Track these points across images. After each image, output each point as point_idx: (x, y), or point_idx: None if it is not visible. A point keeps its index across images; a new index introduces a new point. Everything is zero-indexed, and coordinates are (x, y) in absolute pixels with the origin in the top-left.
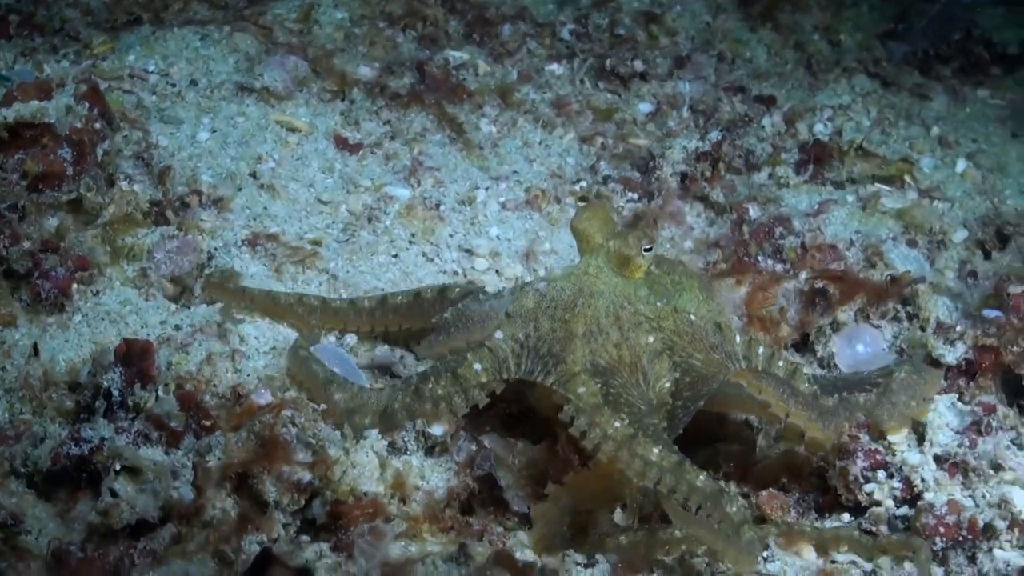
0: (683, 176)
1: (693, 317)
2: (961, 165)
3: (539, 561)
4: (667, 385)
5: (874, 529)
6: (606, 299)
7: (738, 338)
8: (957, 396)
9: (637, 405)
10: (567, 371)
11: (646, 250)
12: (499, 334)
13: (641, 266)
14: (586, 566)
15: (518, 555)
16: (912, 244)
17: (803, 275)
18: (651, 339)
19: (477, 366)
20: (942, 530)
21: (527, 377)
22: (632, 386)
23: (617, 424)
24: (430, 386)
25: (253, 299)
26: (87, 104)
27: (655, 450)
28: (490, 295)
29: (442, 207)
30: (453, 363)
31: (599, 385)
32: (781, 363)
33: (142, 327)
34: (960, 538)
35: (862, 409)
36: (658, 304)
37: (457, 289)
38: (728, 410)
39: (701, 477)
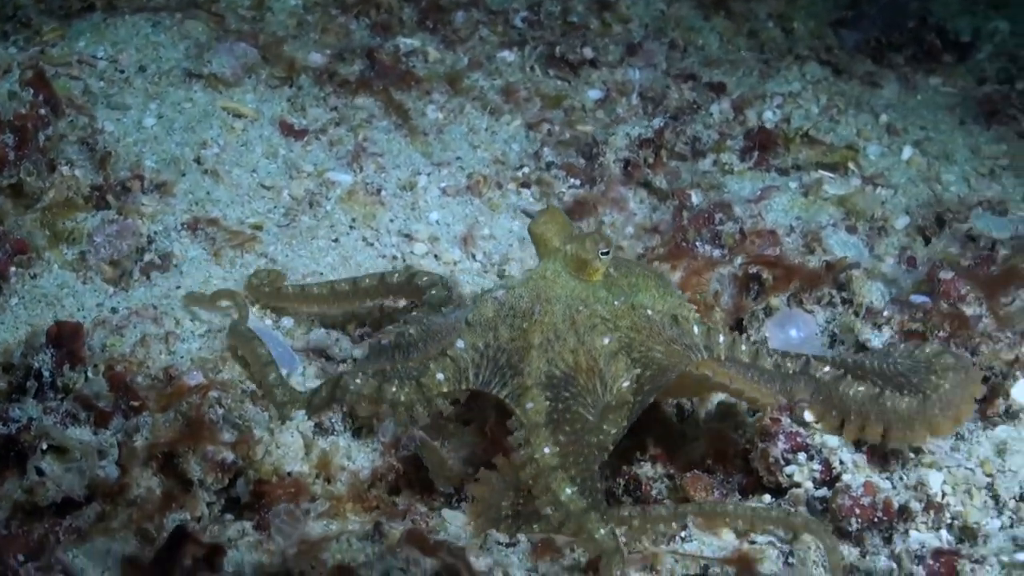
0: (626, 163)
1: (650, 312)
2: (907, 152)
3: (450, 540)
4: (626, 384)
5: (792, 510)
6: (563, 304)
7: (696, 329)
8: None
9: (585, 418)
10: (521, 384)
11: (603, 253)
12: (460, 343)
13: (599, 269)
14: (507, 545)
15: (441, 535)
16: (852, 230)
17: (738, 260)
18: (606, 340)
19: (440, 376)
20: (858, 511)
21: (483, 389)
22: (588, 392)
23: (547, 450)
24: (393, 390)
25: (291, 297)
26: (32, 90)
27: (568, 491)
28: (451, 308)
29: (383, 192)
30: (416, 371)
31: (548, 401)
32: (744, 347)
33: (78, 310)
34: (875, 519)
35: (905, 413)
36: (616, 303)
37: (425, 277)
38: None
39: (602, 531)
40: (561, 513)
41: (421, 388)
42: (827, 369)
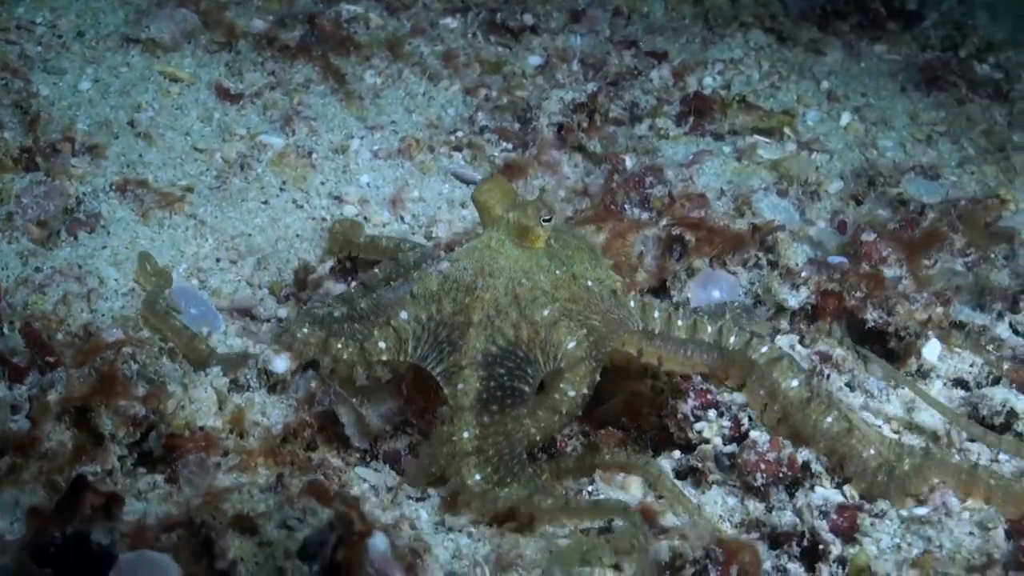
0: (560, 127)
1: (590, 283)
2: (846, 118)
3: (345, 491)
4: (571, 345)
5: (700, 466)
6: (505, 276)
7: (632, 303)
8: (798, 339)
9: (521, 391)
10: (455, 363)
11: (545, 220)
12: (403, 314)
13: (540, 236)
14: (418, 500)
15: (355, 490)
16: (783, 194)
17: (663, 223)
18: (546, 312)
19: (381, 344)
20: (763, 467)
21: (420, 363)
22: (528, 363)
23: (465, 434)
24: (339, 346)
25: (363, 247)
26: None
27: (477, 476)
28: (400, 281)
29: (314, 155)
30: (361, 335)
31: (480, 382)
32: (680, 322)
33: (2, 268)
34: (780, 475)
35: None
36: (557, 272)
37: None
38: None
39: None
40: (467, 495)
41: (363, 352)
42: (765, 350)
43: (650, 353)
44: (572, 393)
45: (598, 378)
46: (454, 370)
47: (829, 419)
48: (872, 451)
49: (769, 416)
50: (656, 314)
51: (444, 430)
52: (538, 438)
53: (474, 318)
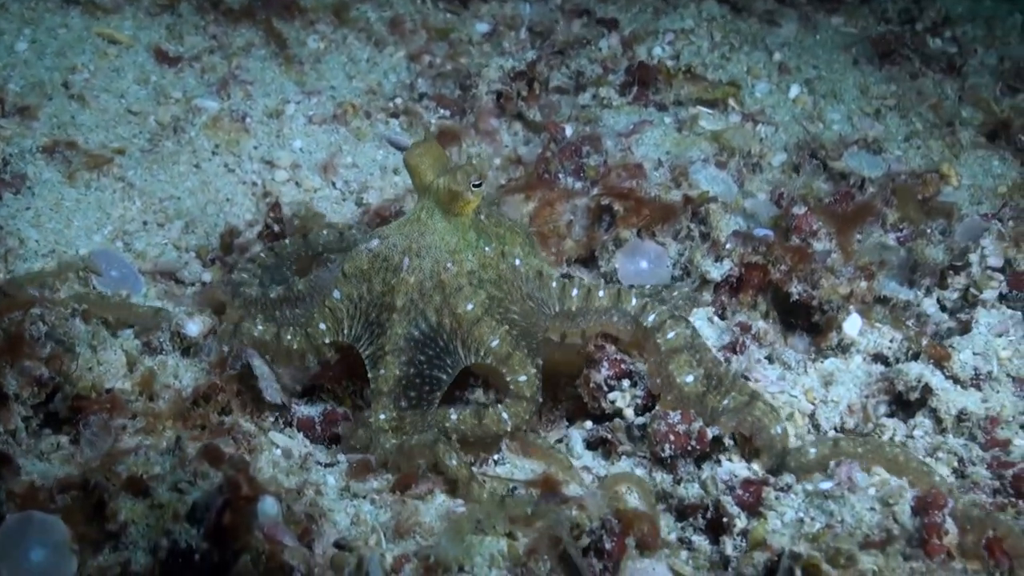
0: (499, 95)
1: (518, 263)
2: (794, 91)
3: (239, 454)
4: (495, 343)
5: (610, 437)
6: (431, 257)
7: (553, 284)
8: (717, 312)
9: (439, 380)
10: (380, 347)
11: (475, 186)
12: (336, 293)
13: (470, 202)
14: (326, 465)
15: (265, 455)
16: (722, 166)
17: (594, 192)
18: (470, 307)
19: (322, 325)
20: (672, 438)
21: (355, 344)
22: (447, 354)
23: (382, 416)
24: (288, 338)
25: None
26: None
27: (386, 445)
28: (336, 261)
29: (248, 119)
30: (304, 320)
31: (400, 368)
32: (602, 293)
33: None
34: (689, 447)
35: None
36: (486, 250)
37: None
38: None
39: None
40: (381, 453)
41: (309, 337)
42: (671, 336)
43: (572, 333)
44: (523, 378)
45: (539, 358)
46: (379, 354)
47: (726, 401)
48: (779, 428)
49: (663, 403)
50: (575, 292)
51: (364, 413)
52: (511, 428)
53: (397, 303)
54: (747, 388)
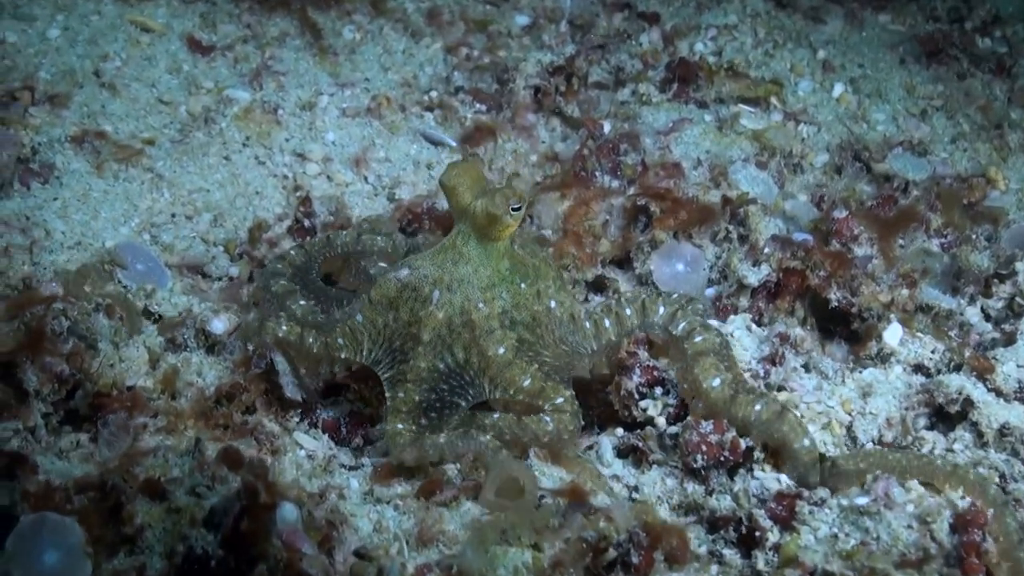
0: (536, 89)
1: (553, 304)
2: (838, 89)
3: (260, 457)
4: (527, 383)
5: (641, 445)
6: (463, 292)
7: (587, 324)
8: (754, 318)
9: (457, 405)
10: (401, 373)
11: (514, 209)
12: (359, 317)
13: (509, 226)
14: (350, 468)
15: (288, 455)
16: (762, 166)
17: (631, 192)
18: (501, 350)
19: (340, 340)
20: (704, 448)
21: (372, 367)
22: (470, 386)
23: (399, 426)
24: (310, 341)
25: None
26: None
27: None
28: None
29: (280, 111)
30: (327, 328)
31: (420, 395)
32: (629, 311)
33: None
34: (722, 458)
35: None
36: (522, 286)
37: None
38: None
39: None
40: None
41: (327, 347)
42: (698, 340)
43: (604, 362)
44: (560, 400)
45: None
46: (399, 379)
47: (757, 407)
48: (806, 441)
49: (693, 408)
50: (607, 323)
51: (377, 428)
52: (553, 433)
53: (424, 336)
54: (777, 400)
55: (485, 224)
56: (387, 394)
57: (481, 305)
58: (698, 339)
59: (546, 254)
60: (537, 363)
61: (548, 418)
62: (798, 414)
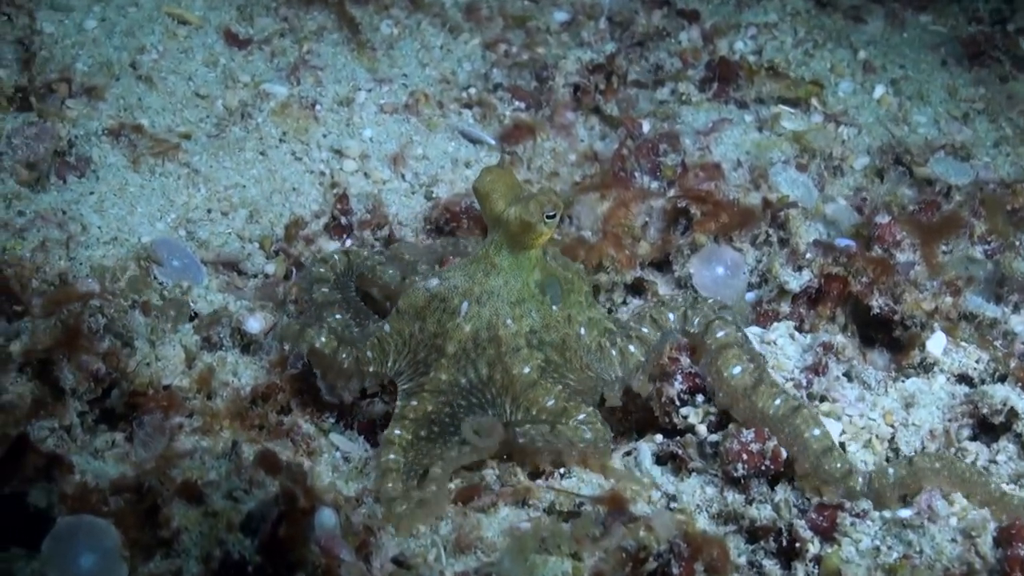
0: (576, 88)
1: (583, 332)
2: (879, 91)
3: (297, 461)
4: (550, 403)
5: (680, 452)
6: (492, 306)
7: (614, 352)
8: (796, 325)
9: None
10: (419, 385)
11: (549, 217)
12: (387, 327)
13: (542, 234)
14: None
15: (324, 457)
16: (803, 168)
17: (671, 194)
18: (526, 370)
19: (369, 354)
20: (745, 457)
21: (395, 379)
22: (490, 405)
23: (397, 432)
24: (343, 356)
25: None
26: None
27: (391, 456)
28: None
29: (318, 106)
30: (359, 342)
31: (433, 406)
32: (646, 329)
33: None
34: (763, 467)
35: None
36: (553, 308)
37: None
38: None
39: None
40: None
41: (358, 362)
42: (720, 335)
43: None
44: (582, 416)
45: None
46: (416, 390)
47: (776, 401)
48: (816, 432)
49: (719, 401)
50: (632, 348)
51: (384, 433)
52: (591, 441)
53: (449, 349)
54: (796, 398)
55: (518, 232)
56: (398, 402)
57: (509, 321)
58: (720, 334)
59: (579, 268)
60: (561, 384)
61: (585, 426)
62: (839, 427)
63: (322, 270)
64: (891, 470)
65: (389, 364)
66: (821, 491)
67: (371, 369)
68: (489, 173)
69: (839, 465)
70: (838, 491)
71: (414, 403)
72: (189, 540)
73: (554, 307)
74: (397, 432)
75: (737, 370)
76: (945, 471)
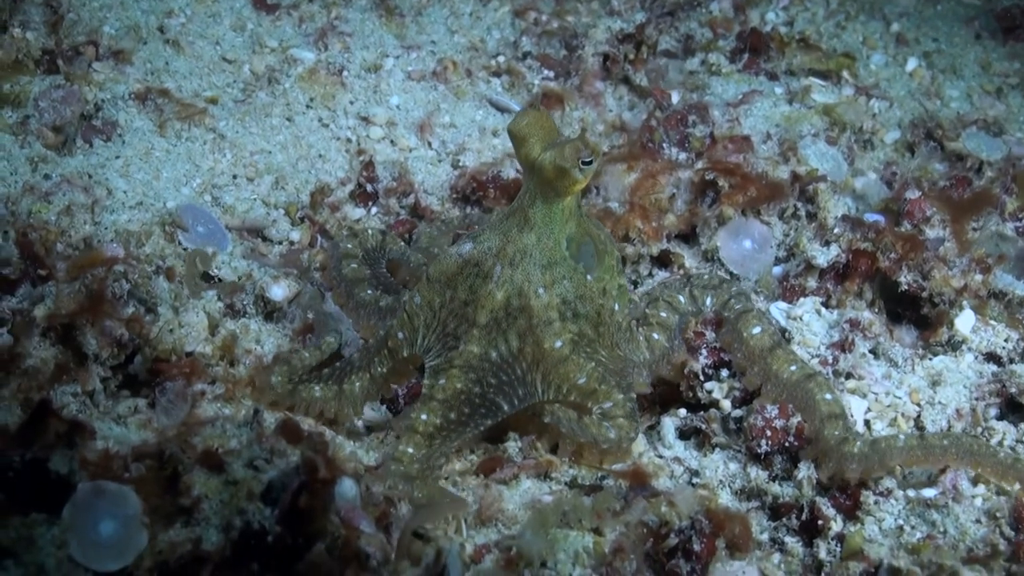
0: (605, 57)
1: (616, 307)
2: (912, 64)
3: (319, 430)
4: (581, 380)
5: (704, 427)
6: (524, 270)
7: (641, 338)
8: (823, 300)
9: (499, 407)
10: (448, 361)
11: (585, 163)
12: (417, 298)
13: (577, 182)
14: None
15: (348, 424)
16: (832, 142)
17: (698, 165)
18: (558, 344)
19: (400, 335)
20: (769, 433)
21: (423, 356)
22: (521, 384)
23: (423, 416)
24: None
25: None
26: None
27: (410, 449)
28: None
29: (345, 73)
30: (387, 331)
31: (463, 383)
32: (664, 314)
33: (11, 174)
34: (786, 443)
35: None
36: (588, 278)
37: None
38: None
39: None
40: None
41: (391, 353)
42: (738, 307)
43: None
44: (608, 404)
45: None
46: (444, 367)
47: (792, 367)
48: (829, 396)
49: (737, 363)
50: (655, 336)
51: (404, 420)
52: (616, 440)
53: (481, 319)
54: (812, 367)
55: (552, 178)
56: (425, 381)
57: (541, 290)
58: (738, 305)
59: (607, 234)
60: (594, 361)
61: (610, 422)
62: (865, 405)
63: (350, 246)
64: (902, 436)
65: (419, 341)
66: (819, 463)
67: (404, 354)
68: (526, 116)
69: (837, 433)
70: (831, 463)
71: (443, 382)
72: (209, 508)
73: (589, 276)
74: (424, 417)
75: (757, 330)
76: (953, 448)
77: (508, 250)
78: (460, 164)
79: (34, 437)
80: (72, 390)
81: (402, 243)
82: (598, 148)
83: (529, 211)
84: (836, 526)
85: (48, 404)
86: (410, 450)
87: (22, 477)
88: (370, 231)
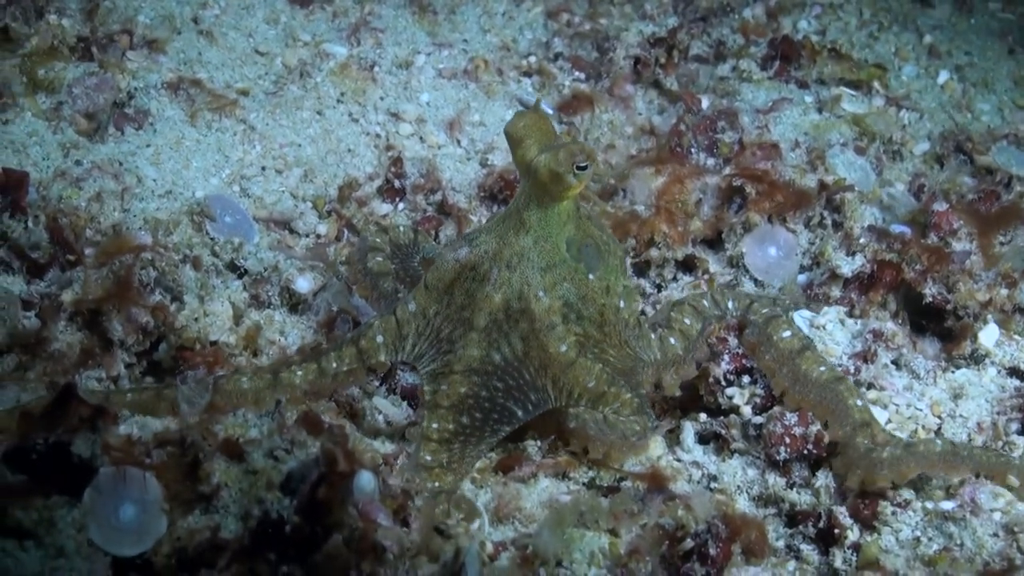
0: (636, 60)
1: (621, 304)
2: (943, 76)
3: (339, 423)
4: (591, 384)
5: (724, 433)
6: (521, 272)
7: (653, 336)
8: (847, 311)
9: (512, 414)
10: (447, 366)
11: (580, 168)
12: (412, 305)
13: (572, 187)
14: None
15: (368, 418)
16: (861, 152)
17: (726, 171)
18: (563, 348)
19: (379, 339)
20: (788, 440)
21: (415, 362)
22: (532, 389)
23: (435, 425)
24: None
25: None
26: None
27: (428, 457)
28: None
29: (376, 68)
30: (360, 332)
31: (466, 388)
32: (688, 320)
33: (43, 159)
34: (805, 451)
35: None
36: (590, 277)
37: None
38: None
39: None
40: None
41: (360, 354)
42: (765, 311)
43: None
44: (628, 395)
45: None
46: (443, 371)
47: (822, 368)
48: (860, 402)
49: (764, 364)
50: (672, 340)
51: (413, 429)
52: (640, 433)
53: (479, 322)
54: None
55: (547, 182)
56: (425, 389)
57: (541, 294)
58: (764, 310)
59: (611, 235)
60: (602, 362)
61: (635, 417)
62: (886, 416)
63: (378, 240)
64: (939, 441)
65: (407, 348)
66: (846, 475)
67: (380, 358)
68: (523, 117)
69: (868, 442)
70: (856, 474)
71: (445, 388)
72: (229, 497)
73: (591, 275)
74: (434, 426)
75: (787, 334)
76: (949, 455)
77: (504, 253)
78: (488, 163)
79: (58, 420)
80: (97, 375)
81: (432, 241)
82: (594, 153)
83: (524, 214)
84: (852, 535)
85: (73, 388)
86: (428, 458)
87: (45, 460)
88: (402, 228)
